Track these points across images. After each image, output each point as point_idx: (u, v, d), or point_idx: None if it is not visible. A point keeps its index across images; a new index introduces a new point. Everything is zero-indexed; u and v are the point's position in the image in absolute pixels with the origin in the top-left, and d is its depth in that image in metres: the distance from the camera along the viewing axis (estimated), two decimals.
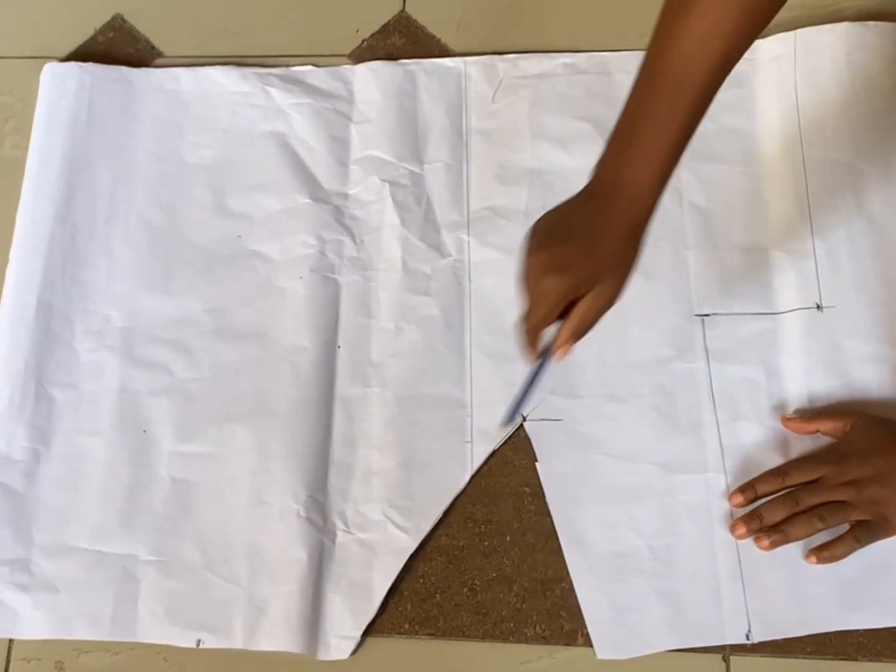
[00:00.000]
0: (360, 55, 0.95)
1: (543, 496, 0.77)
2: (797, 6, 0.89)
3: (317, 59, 0.95)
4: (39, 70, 0.95)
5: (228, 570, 0.76)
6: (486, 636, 0.74)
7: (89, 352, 0.84)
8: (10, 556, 0.77)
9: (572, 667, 0.73)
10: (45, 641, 0.76)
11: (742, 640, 0.71)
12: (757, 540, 0.72)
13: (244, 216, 0.88)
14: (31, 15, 1.00)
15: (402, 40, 0.95)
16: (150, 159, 0.91)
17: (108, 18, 0.99)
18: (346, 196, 0.89)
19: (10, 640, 0.76)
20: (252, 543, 0.76)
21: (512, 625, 0.74)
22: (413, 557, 0.76)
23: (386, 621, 0.75)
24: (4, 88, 0.97)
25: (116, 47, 0.97)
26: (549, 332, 0.64)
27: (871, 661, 0.71)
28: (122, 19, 0.99)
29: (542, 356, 0.65)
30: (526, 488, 0.78)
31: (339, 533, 0.77)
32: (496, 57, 0.92)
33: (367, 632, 0.74)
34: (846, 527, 0.71)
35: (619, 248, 0.62)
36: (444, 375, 0.81)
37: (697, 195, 0.85)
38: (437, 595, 0.75)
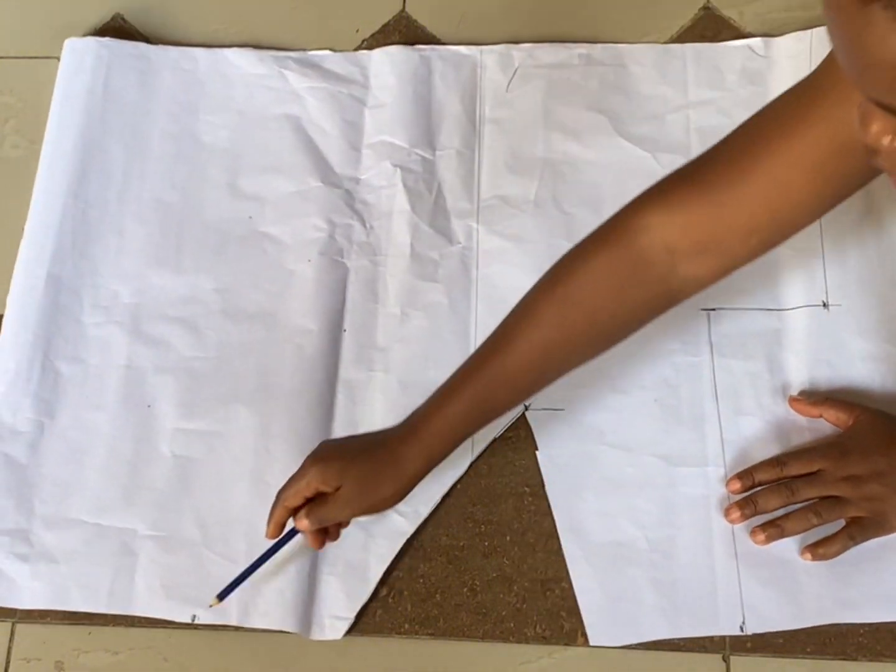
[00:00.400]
0: None
1: (544, 496, 0.77)
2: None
3: None
4: (40, 70, 0.95)
5: (226, 548, 0.76)
6: (486, 636, 0.74)
7: (97, 326, 0.84)
8: (10, 527, 0.78)
9: (572, 667, 0.73)
10: (45, 641, 0.76)
11: (736, 632, 0.71)
12: (753, 534, 0.72)
13: (256, 197, 0.89)
14: (31, 15, 1.00)
15: (402, 40, 0.95)
16: (165, 137, 0.92)
17: (108, 18, 0.99)
18: (357, 180, 0.89)
19: (11, 640, 0.76)
20: (251, 522, 0.76)
21: (512, 625, 0.74)
22: (413, 557, 0.76)
23: (386, 621, 0.74)
24: (4, 88, 0.97)
25: None
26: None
27: (871, 661, 0.71)
28: (123, 19, 0.99)
29: (284, 535, 0.70)
30: (526, 488, 0.77)
31: None
32: (511, 46, 0.92)
33: (368, 632, 0.74)
34: (842, 522, 0.71)
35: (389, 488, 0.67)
36: (448, 362, 0.80)
37: None
38: (437, 595, 0.75)
